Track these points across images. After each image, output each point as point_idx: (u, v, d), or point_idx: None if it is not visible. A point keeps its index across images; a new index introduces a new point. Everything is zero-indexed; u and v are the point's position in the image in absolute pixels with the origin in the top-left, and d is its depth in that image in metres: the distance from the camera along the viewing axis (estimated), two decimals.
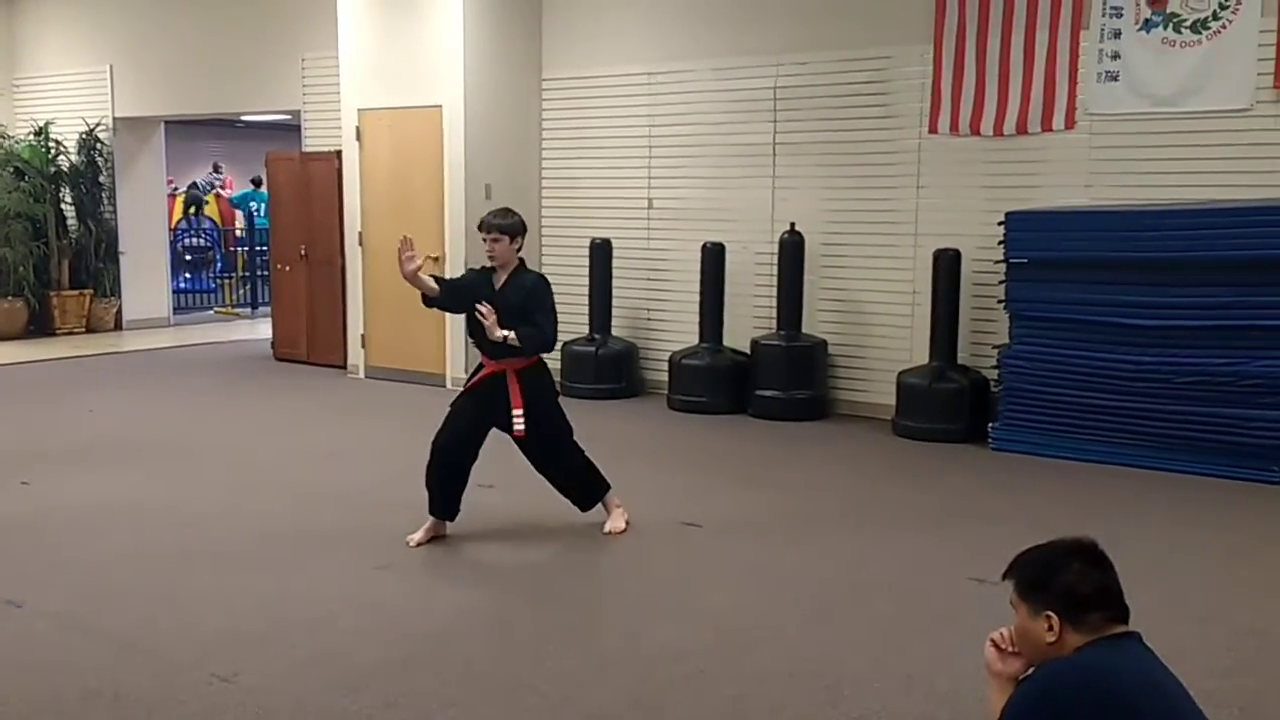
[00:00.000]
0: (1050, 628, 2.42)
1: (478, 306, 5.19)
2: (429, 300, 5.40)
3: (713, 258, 8.51)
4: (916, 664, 3.99)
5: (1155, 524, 5.67)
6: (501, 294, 5.26)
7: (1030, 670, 2.51)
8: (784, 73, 8.44)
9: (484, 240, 5.30)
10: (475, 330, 5.32)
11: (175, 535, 5.43)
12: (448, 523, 5.40)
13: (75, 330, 12.58)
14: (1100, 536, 2.54)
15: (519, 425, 5.24)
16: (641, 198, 9.20)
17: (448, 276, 5.43)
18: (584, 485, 5.50)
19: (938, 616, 4.43)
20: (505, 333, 5.14)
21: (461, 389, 5.56)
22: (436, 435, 5.36)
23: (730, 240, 8.59)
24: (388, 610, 4.50)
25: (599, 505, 5.56)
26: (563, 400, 5.63)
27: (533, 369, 5.32)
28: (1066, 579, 2.44)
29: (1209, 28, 6.95)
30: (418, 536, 5.32)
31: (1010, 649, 2.57)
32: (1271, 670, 3.99)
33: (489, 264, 5.35)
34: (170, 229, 14.69)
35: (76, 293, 12.67)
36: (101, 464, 6.78)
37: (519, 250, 5.33)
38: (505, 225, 5.26)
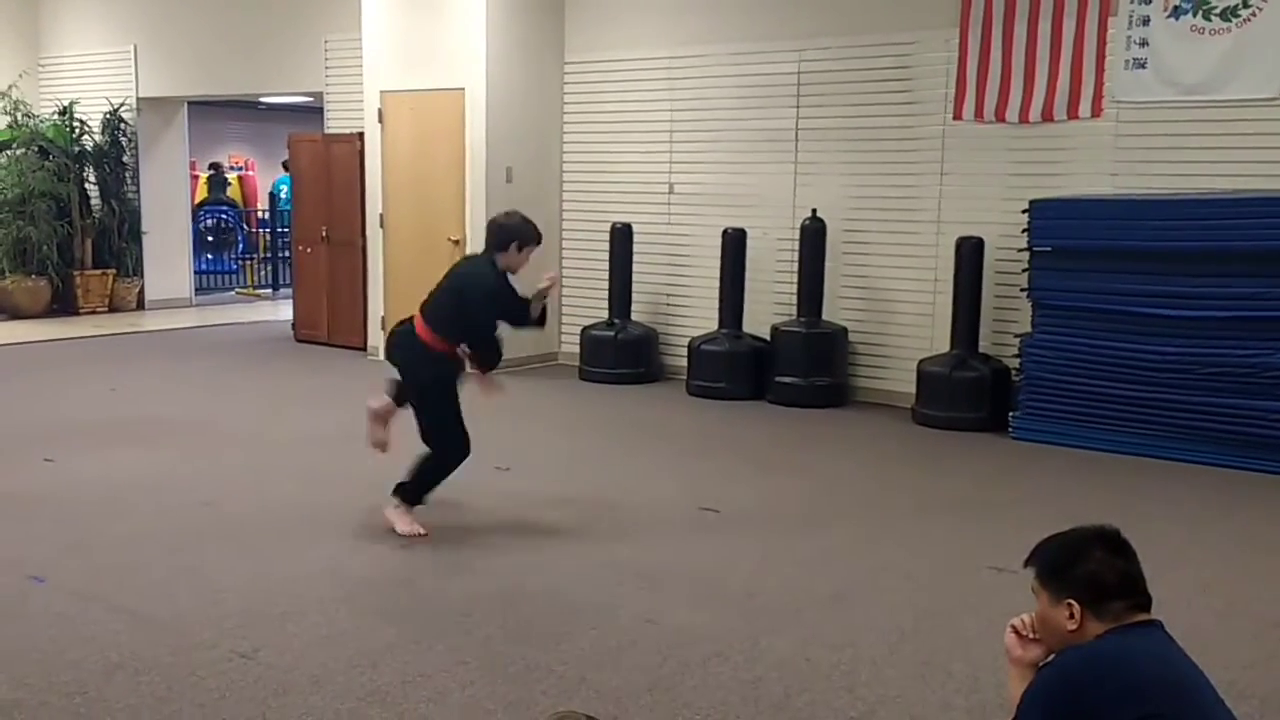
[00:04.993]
0: (1071, 615, 2.41)
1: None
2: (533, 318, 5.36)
3: (733, 243, 8.48)
4: (934, 651, 3.98)
5: (1177, 515, 5.64)
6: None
7: (1050, 657, 2.50)
8: (807, 58, 8.39)
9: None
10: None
11: (196, 513, 5.46)
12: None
13: (98, 309, 12.64)
14: (1121, 526, 2.53)
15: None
16: (663, 182, 9.17)
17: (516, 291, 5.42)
18: (418, 474, 5.22)
19: (956, 604, 4.42)
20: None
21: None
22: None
23: (751, 226, 8.56)
24: (406, 589, 4.53)
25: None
26: (583, 384, 5.61)
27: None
28: (1088, 567, 2.42)
29: (1239, 15, 6.87)
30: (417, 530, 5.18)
31: (1031, 636, 2.56)
32: None
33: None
34: (194, 205, 14.75)
35: (99, 272, 12.73)
36: (123, 442, 6.82)
37: None
38: None
